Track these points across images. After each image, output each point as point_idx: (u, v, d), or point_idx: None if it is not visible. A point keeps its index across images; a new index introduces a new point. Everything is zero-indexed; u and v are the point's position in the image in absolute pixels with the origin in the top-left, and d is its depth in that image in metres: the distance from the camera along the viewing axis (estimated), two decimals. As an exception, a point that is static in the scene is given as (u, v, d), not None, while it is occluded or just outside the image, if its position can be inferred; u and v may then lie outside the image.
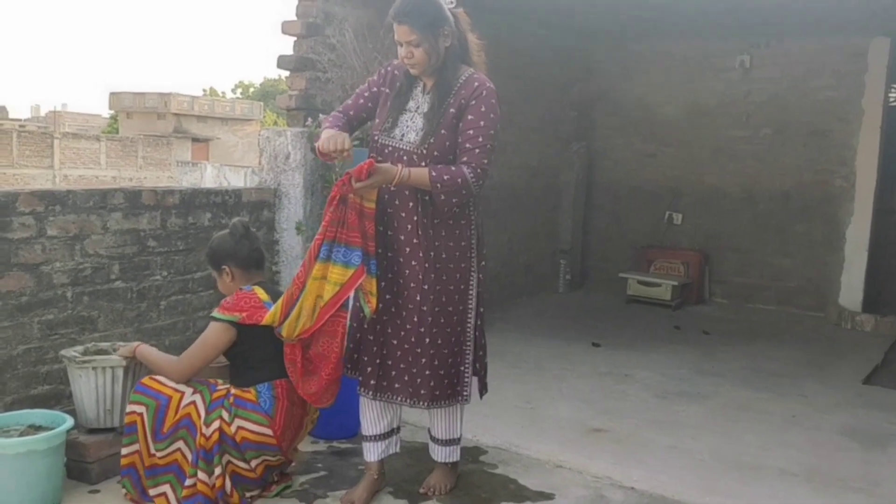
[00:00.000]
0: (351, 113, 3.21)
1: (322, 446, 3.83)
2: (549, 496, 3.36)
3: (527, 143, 7.66)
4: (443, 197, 2.95)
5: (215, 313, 3.12)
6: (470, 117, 2.99)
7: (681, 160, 8.35)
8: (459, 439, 3.37)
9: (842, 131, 7.40)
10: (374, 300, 3.01)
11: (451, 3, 3.05)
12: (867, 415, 4.67)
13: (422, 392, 3.10)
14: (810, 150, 7.65)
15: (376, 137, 3.14)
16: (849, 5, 6.01)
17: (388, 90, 3.17)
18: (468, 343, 3.19)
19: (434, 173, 2.92)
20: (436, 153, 3.00)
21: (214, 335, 3.10)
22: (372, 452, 3.28)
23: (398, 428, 3.37)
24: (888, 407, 4.84)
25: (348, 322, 3.11)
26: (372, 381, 3.16)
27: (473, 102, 2.99)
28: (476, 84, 3.02)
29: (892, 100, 7.26)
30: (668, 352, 5.98)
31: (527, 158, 7.74)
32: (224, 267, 3.23)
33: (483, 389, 3.38)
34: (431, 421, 3.35)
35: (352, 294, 3.00)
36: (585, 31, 7.86)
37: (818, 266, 7.64)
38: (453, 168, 2.95)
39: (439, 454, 3.37)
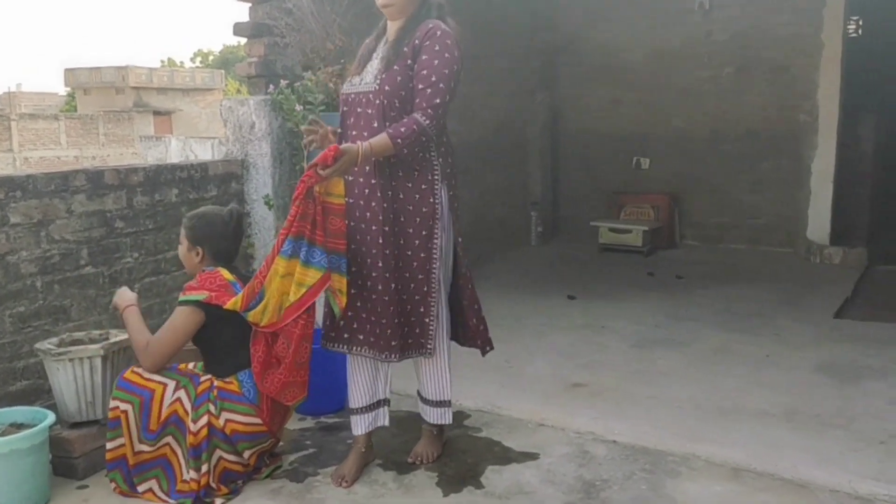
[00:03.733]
0: None
1: (310, 422, 3.80)
2: (534, 456, 3.39)
3: (493, 96, 7.60)
4: (406, 151, 2.94)
5: (181, 297, 3.07)
6: (424, 57, 2.96)
7: (646, 105, 8.35)
8: (449, 402, 3.35)
9: (804, 66, 7.42)
10: (343, 299, 2.98)
11: None
12: (841, 349, 4.74)
13: (392, 343, 3.06)
14: (774, 86, 7.69)
15: (343, 88, 3.17)
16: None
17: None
18: (433, 294, 3.13)
19: (391, 131, 2.89)
20: (387, 87, 2.98)
21: (182, 319, 3.03)
22: (359, 425, 3.25)
23: (386, 400, 3.32)
24: (860, 340, 4.92)
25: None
26: (345, 335, 3.13)
27: (427, 43, 2.96)
28: (430, 26, 2.99)
29: (850, 32, 7.26)
30: (644, 299, 6.03)
31: (494, 112, 7.68)
32: (199, 247, 3.17)
33: (487, 345, 3.41)
34: (420, 381, 3.34)
35: (319, 296, 2.97)
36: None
37: (787, 202, 7.71)
38: (405, 119, 2.93)
39: (430, 415, 3.35)
